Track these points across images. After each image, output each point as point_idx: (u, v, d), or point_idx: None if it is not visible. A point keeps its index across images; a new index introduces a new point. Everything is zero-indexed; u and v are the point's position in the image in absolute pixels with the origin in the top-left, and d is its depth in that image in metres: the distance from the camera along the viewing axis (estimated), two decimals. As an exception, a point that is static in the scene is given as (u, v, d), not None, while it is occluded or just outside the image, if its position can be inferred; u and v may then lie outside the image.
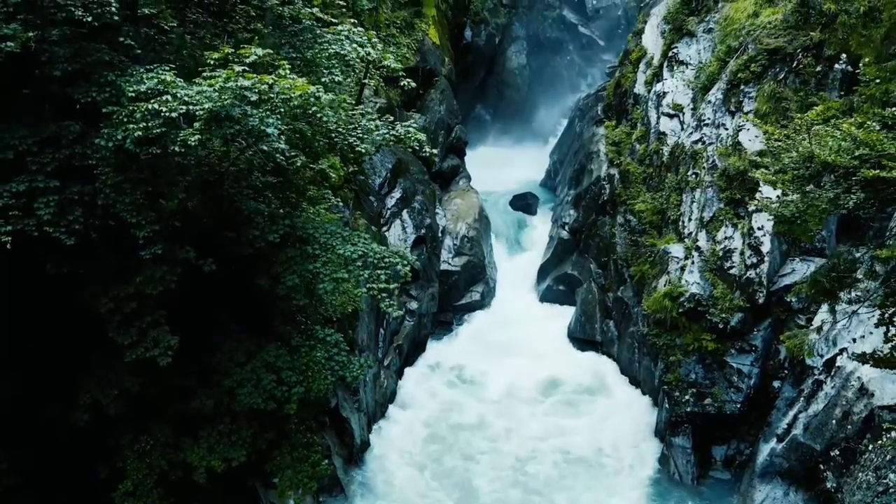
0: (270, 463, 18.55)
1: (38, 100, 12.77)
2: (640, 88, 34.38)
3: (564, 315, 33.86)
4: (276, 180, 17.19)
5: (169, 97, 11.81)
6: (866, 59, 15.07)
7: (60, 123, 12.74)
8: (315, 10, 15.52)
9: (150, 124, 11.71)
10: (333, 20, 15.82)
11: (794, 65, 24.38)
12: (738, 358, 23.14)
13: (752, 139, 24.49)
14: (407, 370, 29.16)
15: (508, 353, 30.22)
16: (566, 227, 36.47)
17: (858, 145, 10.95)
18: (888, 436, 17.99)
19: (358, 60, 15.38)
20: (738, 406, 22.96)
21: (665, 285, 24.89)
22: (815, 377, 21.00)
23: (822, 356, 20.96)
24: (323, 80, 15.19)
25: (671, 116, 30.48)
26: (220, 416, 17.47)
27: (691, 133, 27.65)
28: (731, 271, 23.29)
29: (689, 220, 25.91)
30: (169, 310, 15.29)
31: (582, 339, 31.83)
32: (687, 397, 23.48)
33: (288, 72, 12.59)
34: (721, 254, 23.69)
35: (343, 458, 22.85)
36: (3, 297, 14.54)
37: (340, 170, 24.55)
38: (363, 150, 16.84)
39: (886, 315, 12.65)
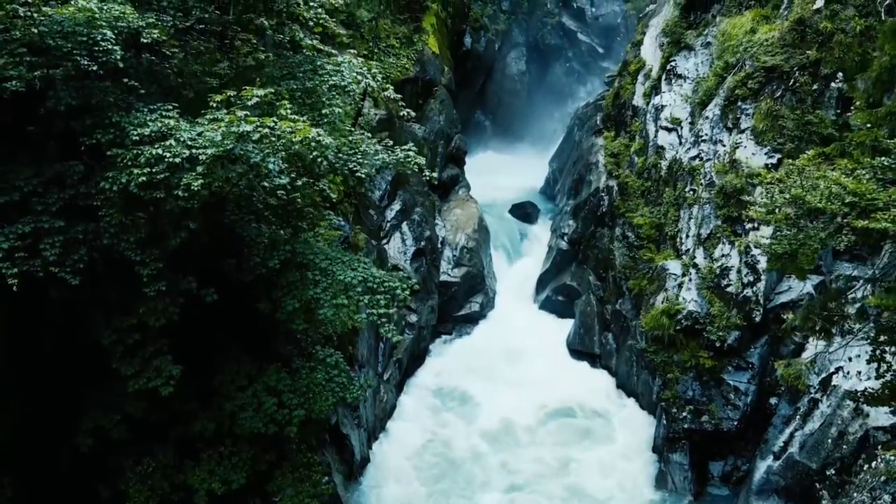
0: (272, 483, 18.77)
1: (42, 137, 12.96)
2: (638, 100, 34.57)
3: (563, 326, 34.02)
4: (277, 202, 17.39)
5: (173, 142, 11.99)
6: (857, 103, 15.24)
7: (65, 163, 12.93)
8: (315, 41, 15.71)
9: (153, 170, 11.90)
10: (333, 51, 16.02)
11: (791, 83, 24.53)
12: (734, 375, 23.31)
13: (750, 157, 24.66)
14: (406, 384, 29.33)
15: (507, 369, 30.29)
16: (565, 238, 36.62)
17: (848, 193, 11.16)
18: (882, 457, 18.20)
19: (357, 91, 15.56)
20: (735, 423, 23.12)
21: (663, 302, 25.08)
22: (811, 395, 21.19)
23: (817, 374, 21.16)
24: (323, 111, 15.39)
25: (669, 130, 30.66)
26: (221, 438, 17.69)
27: (689, 149, 27.83)
28: (728, 289, 23.47)
29: (687, 236, 26.10)
30: (170, 334, 15.50)
31: (580, 351, 31.99)
32: (684, 414, 23.66)
33: (289, 111, 12.76)
34: (718, 271, 23.86)
35: (343, 475, 23.00)
36: (6, 325, 14.72)
37: (339, 184, 24.75)
38: (363, 175, 17.04)
39: (878, 351, 12.84)
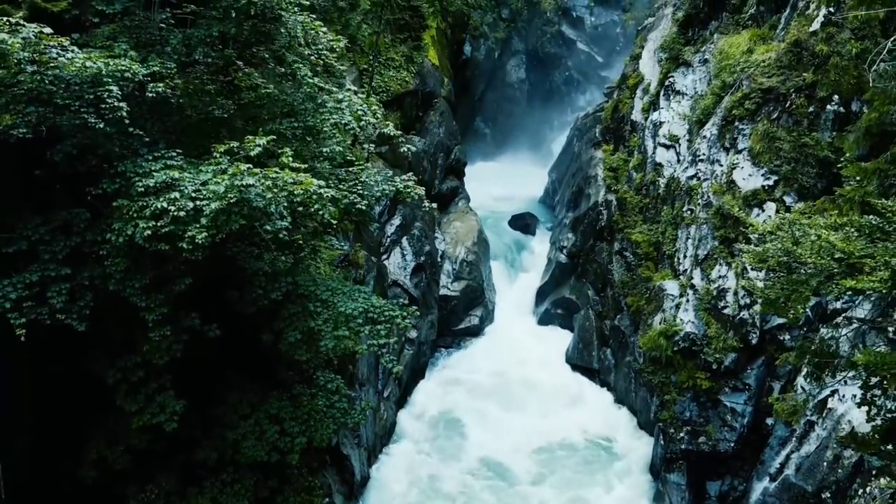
0: (273, 509, 19.03)
1: (49, 180, 13.16)
2: (637, 115, 34.75)
3: (562, 339, 34.25)
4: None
5: (177, 194, 12.21)
6: (847, 154, 15.44)
7: (71, 210, 13.15)
8: (317, 79, 15.91)
9: (159, 223, 12.13)
10: (334, 88, 16.22)
11: (788, 105, 24.69)
12: (731, 397, 23.49)
13: (746, 178, 24.85)
14: (406, 401, 29.52)
15: (505, 388, 30.25)
16: (564, 251, 36.84)
17: (837, 250, 11.39)
18: (877, 482, 18.39)
19: (357, 128, 15.79)
20: (732, 445, 23.31)
21: (660, 323, 25.29)
22: (808, 418, 21.38)
23: (814, 397, 21.35)
24: (324, 149, 15.61)
25: (667, 147, 30.86)
26: (223, 465, 17.93)
27: (687, 168, 28.01)
28: (725, 311, 23.65)
29: (685, 256, 26.30)
30: (173, 364, 15.69)
31: (579, 366, 32.21)
32: (682, 435, 23.86)
33: (290, 158, 12.97)
34: (715, 293, 24.06)
35: (343, 496, 23.20)
36: (14, 361, 14.93)
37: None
38: (363, 208, 17.26)
39: (868, 395, 13.06)
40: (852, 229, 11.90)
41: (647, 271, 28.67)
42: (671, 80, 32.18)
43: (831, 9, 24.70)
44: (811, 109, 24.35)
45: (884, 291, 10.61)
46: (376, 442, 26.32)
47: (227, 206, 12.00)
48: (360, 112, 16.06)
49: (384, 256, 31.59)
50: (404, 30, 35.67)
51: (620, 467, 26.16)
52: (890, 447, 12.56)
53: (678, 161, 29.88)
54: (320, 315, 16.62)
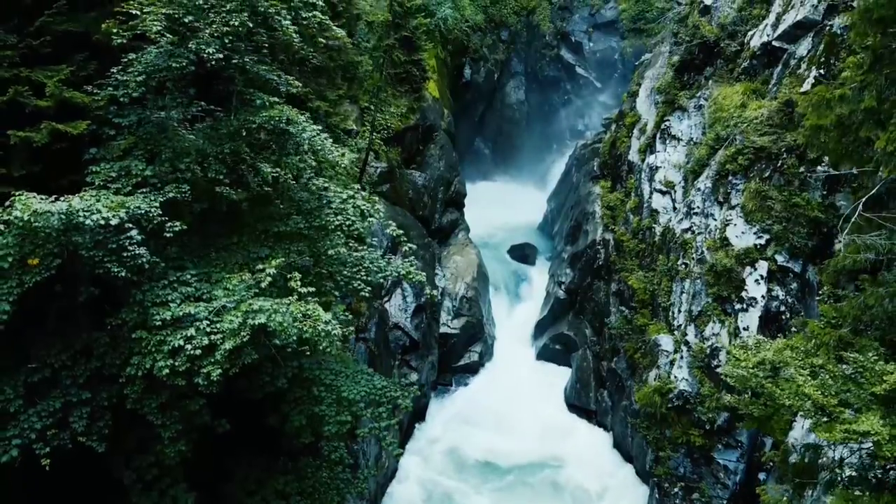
0: (281, 575, 19.63)
1: (69, 296, 13.76)
2: (633, 156, 35.35)
3: (560, 376, 34.89)
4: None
5: (193, 331, 12.86)
6: (825, 287, 16.05)
7: (92, 334, 13.79)
8: (321, 180, 16.53)
9: (175, 361, 12.78)
10: (339, 189, 16.82)
11: (779, 164, 25.31)
12: (724, 454, 24.14)
13: (739, 235, 25.46)
14: (406, 447, 29.99)
15: (503, 439, 30.71)
16: (562, 287, 37.41)
17: (813, 399, 12.06)
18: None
19: (360, 228, 16.41)
20: (725, 502, 23.97)
21: (655, 379, 25.93)
22: (798, 480, 21.98)
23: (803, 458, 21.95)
24: (329, 252, 16.24)
25: (663, 193, 31.46)
26: (232, 540, 18.55)
27: (682, 219, 28.61)
28: (718, 370, 24.26)
29: (679, 311, 26.91)
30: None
31: (577, 406, 32.85)
32: (676, 490, 24.53)
33: (298, 283, 13.59)
34: (708, 351, 24.68)
35: (347, 550, 23.88)
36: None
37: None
38: (367, 294, 17.88)
39: (850, 500, 13.72)
40: (828, 377, 12.56)
41: (642, 318, 29.28)
42: (667, 123, 32.77)
43: (821, 71, 25.36)
44: (801, 169, 24.96)
45: (853, 445, 11.28)
46: (377, 491, 26.98)
47: (240, 344, 12.67)
48: (364, 208, 16.70)
49: (385, 299, 32.15)
50: (405, 82, 36.16)
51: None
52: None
53: (674, 209, 30.48)
54: (324, 400, 17.17)
